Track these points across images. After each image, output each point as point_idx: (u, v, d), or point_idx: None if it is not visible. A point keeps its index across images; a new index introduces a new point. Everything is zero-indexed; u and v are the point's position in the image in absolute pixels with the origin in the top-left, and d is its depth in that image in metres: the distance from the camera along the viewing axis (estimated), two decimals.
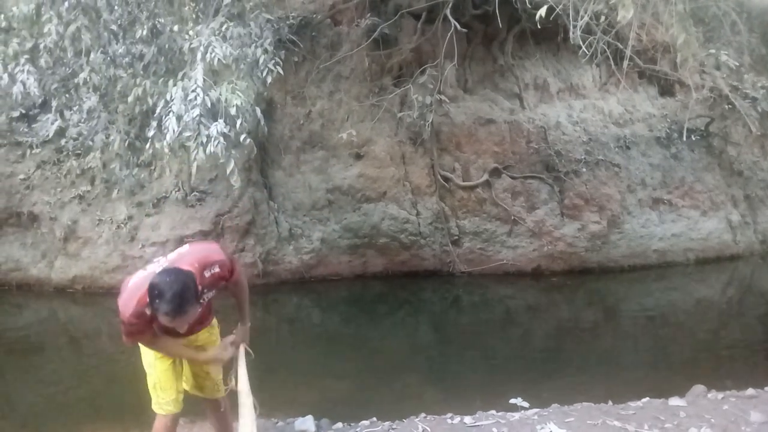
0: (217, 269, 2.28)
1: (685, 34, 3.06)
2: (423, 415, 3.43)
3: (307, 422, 3.34)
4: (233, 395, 2.62)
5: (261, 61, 4.60)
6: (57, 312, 6.71)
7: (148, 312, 2.12)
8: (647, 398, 3.53)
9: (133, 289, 2.17)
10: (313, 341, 5.63)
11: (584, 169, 7.36)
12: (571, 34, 3.58)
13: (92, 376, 4.73)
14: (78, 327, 6.35)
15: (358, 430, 3.28)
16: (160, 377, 2.42)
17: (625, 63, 4.19)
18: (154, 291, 2.04)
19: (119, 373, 4.40)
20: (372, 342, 5.50)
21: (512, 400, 3.56)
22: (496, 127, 7.31)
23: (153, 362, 2.42)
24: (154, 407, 2.46)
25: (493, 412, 3.41)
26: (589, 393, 3.71)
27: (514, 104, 7.66)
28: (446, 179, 7.25)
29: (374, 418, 3.44)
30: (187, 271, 2.12)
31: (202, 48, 4.22)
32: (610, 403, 3.47)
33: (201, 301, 2.25)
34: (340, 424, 3.39)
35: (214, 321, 2.61)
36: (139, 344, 2.41)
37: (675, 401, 3.43)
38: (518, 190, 7.28)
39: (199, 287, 2.15)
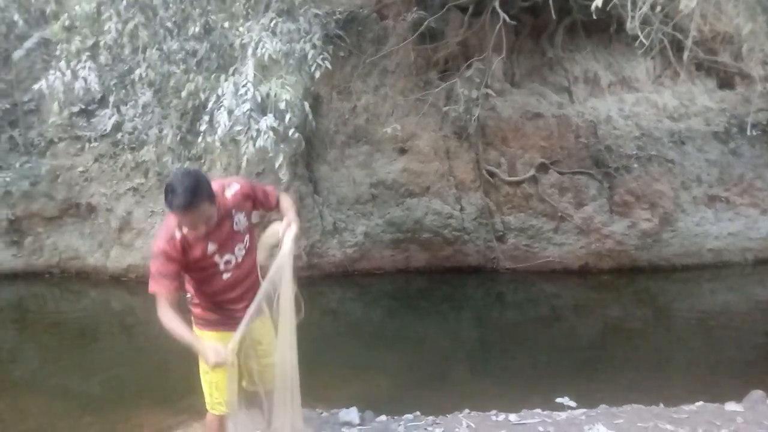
0: (236, 187, 2.33)
1: (752, 23, 2.91)
2: (467, 410, 3.41)
3: (351, 413, 3.37)
4: None
5: (309, 56, 4.64)
6: (111, 299, 7.01)
7: (178, 235, 2.17)
8: (701, 402, 3.40)
9: (164, 221, 2.28)
10: (356, 334, 5.68)
11: (636, 165, 7.12)
12: (628, 24, 3.45)
13: (144, 362, 4.91)
14: (131, 314, 6.62)
15: (401, 423, 3.29)
16: (219, 378, 2.39)
17: (686, 54, 4.01)
18: (167, 189, 2.11)
19: (169, 360, 4.54)
20: (415, 337, 5.50)
21: (559, 399, 3.49)
22: (544, 122, 7.15)
23: None
24: (208, 407, 2.47)
25: (539, 410, 3.36)
26: (639, 395, 3.60)
27: (563, 98, 7.47)
28: (491, 174, 7.15)
29: (417, 413, 3.45)
30: (201, 172, 2.22)
31: (252, 44, 4.30)
32: (662, 405, 3.36)
33: (234, 217, 2.31)
34: (383, 417, 3.41)
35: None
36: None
37: (731, 406, 3.29)
38: (566, 185, 7.11)
39: (222, 207, 2.23)
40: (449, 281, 6.99)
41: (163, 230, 2.23)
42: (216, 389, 2.41)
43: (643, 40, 3.64)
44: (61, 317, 6.26)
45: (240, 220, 2.35)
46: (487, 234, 7.13)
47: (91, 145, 7.25)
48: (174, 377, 4.12)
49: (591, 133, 7.25)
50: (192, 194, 2.07)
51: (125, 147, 7.12)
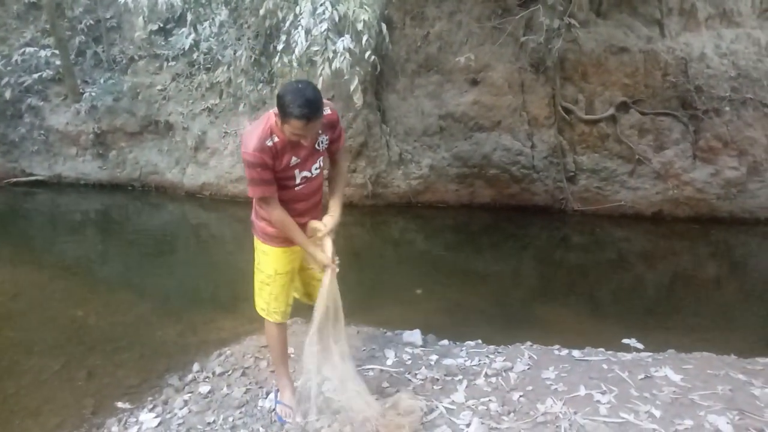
0: (328, 110, 2.32)
1: None
2: (529, 343, 3.43)
3: (415, 335, 3.46)
4: None
5: None
6: (187, 214, 7.39)
7: (269, 144, 2.22)
8: None
9: (252, 129, 2.29)
10: (418, 265, 5.76)
11: (727, 108, 6.60)
12: None
13: (217, 273, 5.22)
14: (205, 229, 6.99)
15: (463, 349, 3.35)
16: (278, 291, 2.54)
17: None
18: (285, 97, 2.10)
19: (239, 273, 4.78)
20: (476, 271, 5.52)
21: (625, 340, 3.45)
22: (630, 57, 6.68)
23: (274, 276, 2.52)
24: (264, 314, 2.60)
25: (603, 349, 3.34)
26: (709, 345, 3.49)
27: (653, 32, 6.91)
28: (567, 111, 6.84)
29: (479, 341, 3.50)
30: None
31: None
32: (734, 356, 3.26)
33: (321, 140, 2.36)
34: (446, 341, 3.48)
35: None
36: (258, 253, 2.51)
37: None
38: (647, 127, 6.72)
39: None
40: (514, 219, 6.90)
41: (254, 139, 2.22)
42: (274, 300, 2.55)
43: None
44: (142, 227, 6.69)
45: (323, 140, 2.39)
46: (558, 174, 6.92)
47: (169, 64, 7.44)
48: (243, 289, 4.35)
49: (681, 72, 6.73)
50: (318, 104, 2.13)
51: (201, 67, 7.26)
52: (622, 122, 6.75)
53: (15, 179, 8.04)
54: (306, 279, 2.70)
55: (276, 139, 2.24)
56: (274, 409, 2.69)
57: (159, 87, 7.48)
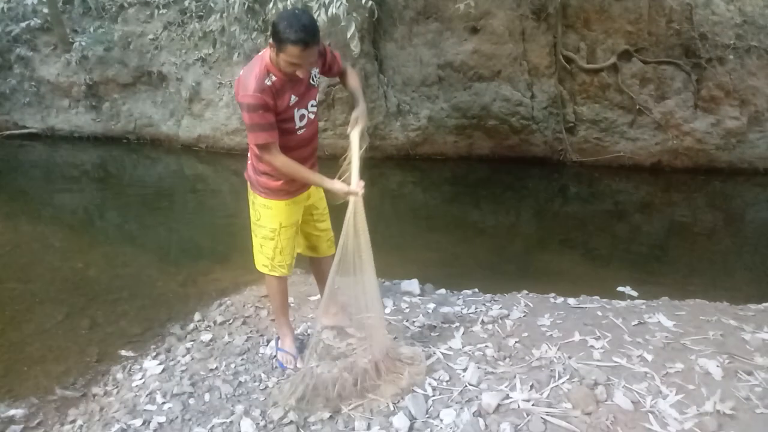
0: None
1: None
2: (525, 291, 3.47)
3: (413, 284, 3.50)
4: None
5: None
6: (184, 167, 7.34)
7: (268, 84, 2.14)
8: None
9: (246, 72, 2.19)
10: (416, 217, 5.78)
11: (731, 57, 6.48)
12: None
13: (214, 225, 5.24)
14: (202, 181, 6.95)
15: (460, 297, 3.39)
16: (285, 243, 2.50)
17: None
18: (280, 24, 2.02)
19: (236, 225, 4.81)
20: (473, 223, 5.55)
21: (620, 288, 3.49)
22: (634, 3, 6.50)
23: (279, 229, 2.48)
24: (267, 270, 2.56)
25: (597, 297, 3.39)
26: (703, 294, 3.55)
27: None
28: (568, 60, 6.71)
29: (476, 289, 3.55)
30: None
31: None
32: (726, 303, 3.31)
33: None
34: (443, 290, 3.53)
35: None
36: (258, 209, 2.46)
37: None
38: (649, 76, 6.61)
39: None
40: (512, 171, 6.89)
41: (252, 80, 2.12)
42: (280, 254, 2.52)
43: None
44: (138, 180, 6.65)
45: (316, 75, 2.33)
46: (557, 124, 6.85)
47: (160, 12, 7.21)
48: (242, 240, 4.36)
49: (685, 18, 6.57)
50: (314, 30, 2.03)
51: (193, 15, 7.05)
52: (624, 71, 6.64)
53: (8, 132, 7.94)
54: (309, 231, 2.70)
55: (274, 78, 2.15)
56: (275, 356, 2.75)
57: (150, 36, 7.28)
